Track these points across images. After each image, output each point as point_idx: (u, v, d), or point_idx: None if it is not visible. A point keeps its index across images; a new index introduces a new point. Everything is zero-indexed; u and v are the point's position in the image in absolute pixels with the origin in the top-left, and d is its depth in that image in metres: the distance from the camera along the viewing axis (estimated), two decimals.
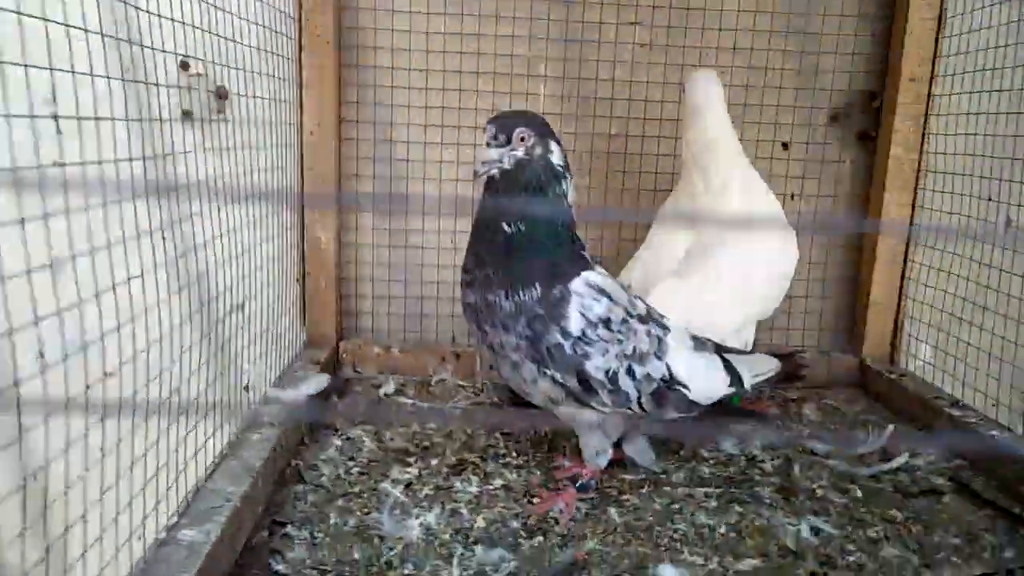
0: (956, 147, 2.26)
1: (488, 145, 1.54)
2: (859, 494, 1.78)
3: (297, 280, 2.25)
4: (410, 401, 2.21)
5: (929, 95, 2.29)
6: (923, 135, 2.32)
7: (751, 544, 1.58)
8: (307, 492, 1.67)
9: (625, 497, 1.73)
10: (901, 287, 2.41)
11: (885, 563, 1.53)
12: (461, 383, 2.36)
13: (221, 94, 1.61)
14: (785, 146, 2.43)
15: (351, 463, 1.81)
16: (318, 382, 1.95)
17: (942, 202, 2.31)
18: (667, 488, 1.78)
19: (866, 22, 2.36)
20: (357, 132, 2.33)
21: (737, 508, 1.70)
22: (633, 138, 2.38)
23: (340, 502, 1.64)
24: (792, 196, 2.45)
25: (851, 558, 1.55)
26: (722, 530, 1.62)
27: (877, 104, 2.41)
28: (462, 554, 1.50)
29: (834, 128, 2.43)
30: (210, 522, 1.29)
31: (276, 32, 1.93)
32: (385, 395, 2.24)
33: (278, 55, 1.95)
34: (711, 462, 1.91)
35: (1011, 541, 1.60)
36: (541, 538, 1.57)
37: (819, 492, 1.78)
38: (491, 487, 1.75)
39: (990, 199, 2.08)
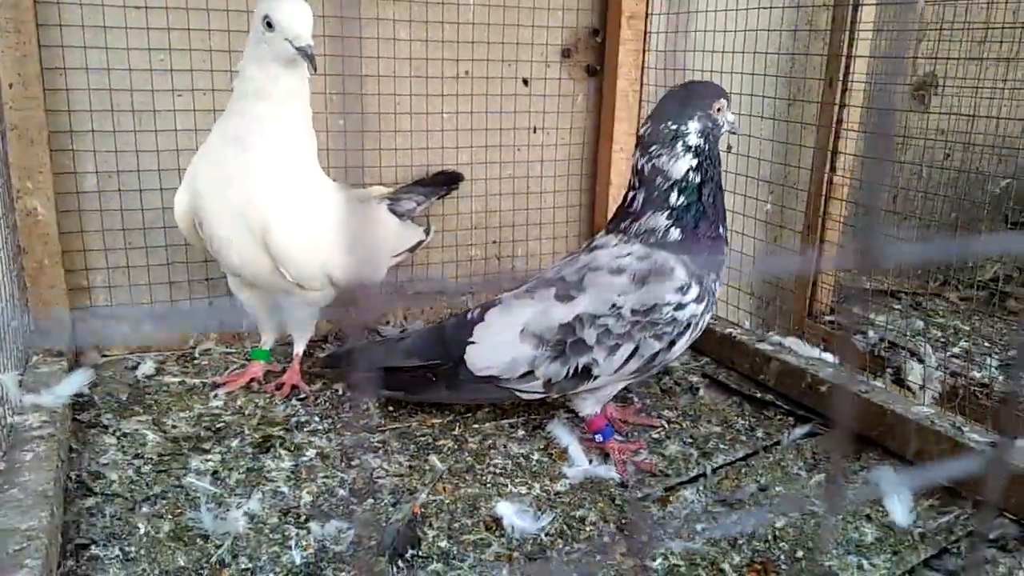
0: (668, 80, 2.53)
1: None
2: (635, 400, 2.01)
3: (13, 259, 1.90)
4: (177, 380, 2.02)
5: (646, 32, 2.52)
6: (642, 68, 2.55)
7: (562, 464, 1.72)
8: (102, 504, 1.47)
9: (441, 442, 1.77)
10: None
11: (673, 459, 1.76)
12: (228, 351, 2.20)
13: None
14: (525, 82, 2.53)
15: (139, 462, 1.63)
16: (79, 379, 1.69)
17: None
18: (476, 426, 1.85)
19: None
20: (66, 81, 1.99)
21: (542, 433, 1.83)
22: (385, 79, 2.31)
23: (144, 508, 1.48)
24: (535, 130, 2.58)
25: (644, 457, 1.76)
26: (535, 456, 1.74)
27: (600, 40, 2.59)
28: (297, 535, 1.45)
29: (566, 64, 2.58)
30: (23, 568, 1.09)
31: None
32: (145, 377, 2.02)
33: None
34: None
35: (758, 422, 1.93)
36: (372, 500, 1.56)
37: None
38: (305, 459, 1.68)
39: None
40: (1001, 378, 2.21)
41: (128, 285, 2.17)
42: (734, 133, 1.75)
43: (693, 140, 1.63)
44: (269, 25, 1.63)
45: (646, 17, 2.51)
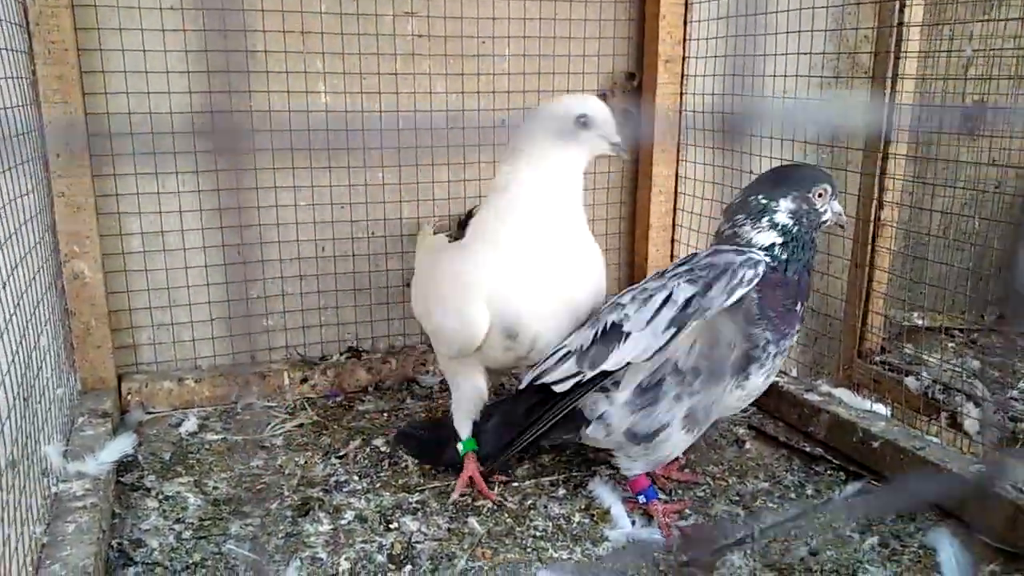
0: (705, 123, 2.50)
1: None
2: (679, 456, 1.96)
3: (61, 321, 1.94)
4: (219, 437, 2.03)
5: (683, 75, 2.50)
6: (680, 112, 2.53)
7: (604, 526, 1.68)
8: (142, 575, 1.48)
9: (480, 503, 1.75)
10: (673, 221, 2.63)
11: (719, 520, 1.70)
12: (270, 405, 2.21)
13: None
14: None
15: (180, 527, 1.63)
16: (123, 444, 1.72)
17: (695, 172, 2.56)
18: (515, 484, 1.82)
19: (623, 6, 2.49)
20: (111, 147, 2.04)
21: (583, 492, 1.79)
22: (422, 131, 2.33)
23: None
24: None
25: (691, 520, 1.71)
26: (576, 518, 1.70)
27: (636, 83, 2.58)
28: None
29: None
30: None
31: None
32: (188, 434, 2.04)
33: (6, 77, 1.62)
34: (547, 448, 1.98)
35: (807, 478, 1.86)
36: (410, 567, 1.54)
37: None
38: (344, 521, 1.67)
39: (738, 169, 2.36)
40: None
41: (172, 342, 2.21)
42: (841, 227, 1.71)
43: (781, 218, 1.59)
44: (584, 124, 1.68)
45: (683, 60, 2.49)
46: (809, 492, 1.80)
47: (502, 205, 1.71)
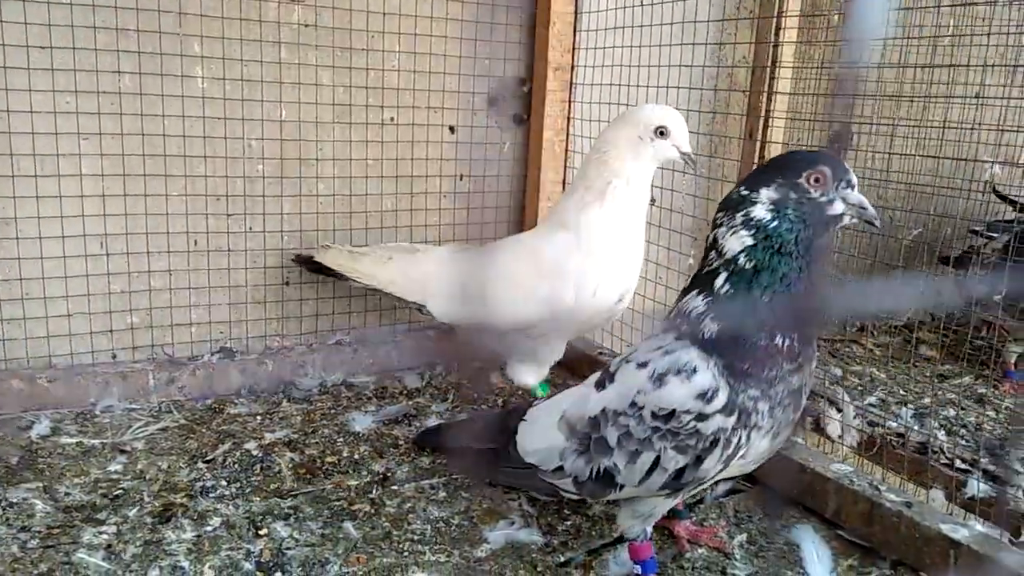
0: (593, 131, 2.54)
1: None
2: None
3: None
4: (74, 441, 1.89)
5: (572, 83, 2.53)
6: (568, 119, 2.56)
7: (483, 528, 1.66)
8: None
9: (356, 507, 1.69)
10: None
11: (596, 520, 1.72)
12: (132, 407, 2.07)
13: None
14: (452, 129, 2.51)
15: (25, 535, 1.50)
16: None
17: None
18: (395, 488, 1.78)
19: (515, 11, 2.51)
20: None
21: (464, 494, 1.77)
22: (306, 124, 2.26)
23: None
24: (461, 177, 2.55)
25: (568, 522, 1.71)
26: (456, 520, 1.68)
27: (527, 89, 2.59)
28: None
29: (493, 112, 2.57)
30: None
31: None
32: (40, 437, 1.88)
33: None
34: (427, 451, 1.95)
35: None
36: (280, 574, 1.47)
37: None
38: (209, 528, 1.58)
39: None
40: (916, 427, 2.25)
41: (24, 338, 2.05)
42: (872, 224, 1.28)
43: (757, 213, 1.27)
44: (662, 134, 1.86)
45: (572, 69, 2.53)
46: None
47: (607, 210, 1.92)
